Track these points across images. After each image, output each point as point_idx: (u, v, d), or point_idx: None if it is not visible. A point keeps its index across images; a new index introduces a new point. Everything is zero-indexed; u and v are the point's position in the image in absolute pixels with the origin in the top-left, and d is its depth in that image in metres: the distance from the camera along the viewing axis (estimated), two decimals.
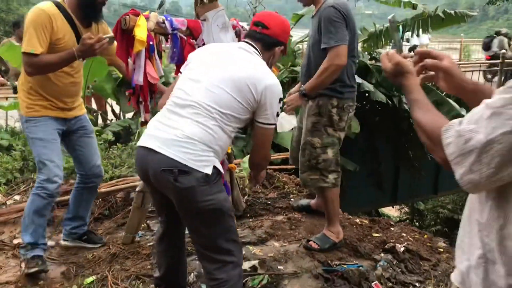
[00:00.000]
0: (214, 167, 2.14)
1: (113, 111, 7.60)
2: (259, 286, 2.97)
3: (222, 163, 2.93)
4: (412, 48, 20.93)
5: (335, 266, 3.15)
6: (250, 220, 3.81)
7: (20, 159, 4.81)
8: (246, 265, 3.09)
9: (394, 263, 3.29)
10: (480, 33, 38.15)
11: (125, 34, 2.60)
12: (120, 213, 3.86)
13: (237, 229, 3.56)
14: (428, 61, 1.41)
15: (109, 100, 7.44)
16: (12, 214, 3.75)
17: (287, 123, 2.93)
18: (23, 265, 3.01)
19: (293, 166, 4.66)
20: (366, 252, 3.38)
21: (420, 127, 1.28)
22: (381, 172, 8.59)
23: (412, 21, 9.10)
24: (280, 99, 2.24)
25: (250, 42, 2.34)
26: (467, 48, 22.62)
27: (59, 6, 2.90)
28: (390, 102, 7.47)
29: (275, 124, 2.27)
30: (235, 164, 4.38)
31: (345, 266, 3.13)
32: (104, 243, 3.46)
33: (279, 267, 3.14)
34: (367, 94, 7.14)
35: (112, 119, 7.54)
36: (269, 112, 2.21)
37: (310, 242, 3.37)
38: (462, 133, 1.11)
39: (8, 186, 4.45)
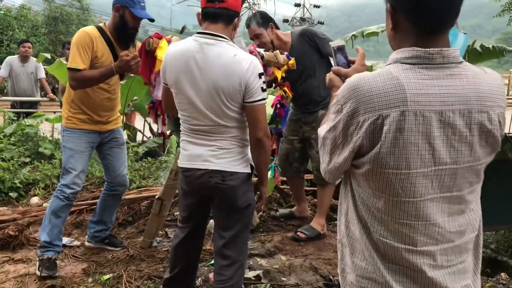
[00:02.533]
0: (251, 165, 2.49)
1: (151, 129, 8.01)
2: None
3: None
4: None
5: (336, 281, 3.28)
6: (262, 234, 4.00)
7: (59, 167, 5.21)
8: (250, 274, 3.28)
9: None
10: None
11: (148, 54, 2.90)
12: (142, 220, 4.14)
13: (248, 242, 3.79)
14: (334, 68, 1.61)
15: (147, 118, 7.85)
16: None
17: None
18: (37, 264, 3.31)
19: (311, 188, 4.85)
20: None
21: None
22: None
23: None
24: (260, 74, 2.33)
25: (207, 31, 2.34)
26: None
27: (100, 29, 3.30)
28: None
29: (262, 99, 2.36)
30: None
31: None
32: (124, 246, 3.74)
33: (282, 278, 3.31)
34: None
35: (150, 136, 7.95)
36: (254, 90, 2.31)
37: (298, 233, 3.90)
38: (319, 133, 1.42)
39: (46, 190, 4.85)
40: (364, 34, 7.93)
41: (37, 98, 7.90)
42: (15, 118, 6.80)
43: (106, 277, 3.28)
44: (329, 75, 1.64)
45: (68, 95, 3.38)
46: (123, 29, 3.28)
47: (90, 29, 3.28)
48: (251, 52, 3.43)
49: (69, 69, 3.18)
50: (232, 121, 2.38)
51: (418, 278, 1.28)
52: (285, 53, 3.58)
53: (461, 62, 1.27)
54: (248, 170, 2.47)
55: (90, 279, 3.26)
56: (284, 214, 4.38)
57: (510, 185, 9.03)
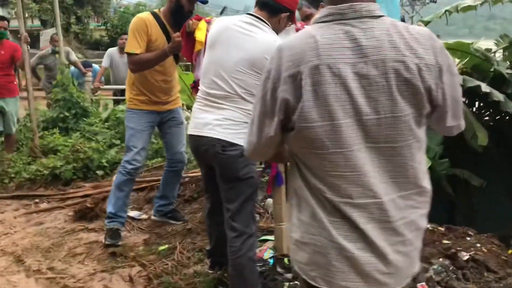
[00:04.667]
0: None
1: None
2: None
3: None
4: None
5: None
6: None
7: None
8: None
9: (450, 269, 3.18)
10: None
11: (189, 36, 3.04)
12: None
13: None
14: None
15: None
16: None
17: None
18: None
19: None
20: (424, 256, 3.32)
21: None
22: None
23: None
24: None
25: (255, 13, 2.53)
26: None
27: (154, 15, 3.51)
28: None
29: None
30: None
31: None
32: (185, 220, 3.96)
33: None
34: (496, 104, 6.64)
35: None
36: None
37: None
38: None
39: None
40: (459, 8, 7.37)
41: None
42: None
43: (162, 247, 3.51)
44: None
45: (129, 78, 3.64)
46: (179, 13, 3.44)
47: (145, 15, 3.51)
48: (297, 30, 3.43)
49: (127, 53, 3.43)
50: (248, 94, 2.46)
51: (361, 232, 1.30)
52: None
53: (380, 16, 1.28)
54: None
55: (147, 248, 3.52)
56: None
57: None
